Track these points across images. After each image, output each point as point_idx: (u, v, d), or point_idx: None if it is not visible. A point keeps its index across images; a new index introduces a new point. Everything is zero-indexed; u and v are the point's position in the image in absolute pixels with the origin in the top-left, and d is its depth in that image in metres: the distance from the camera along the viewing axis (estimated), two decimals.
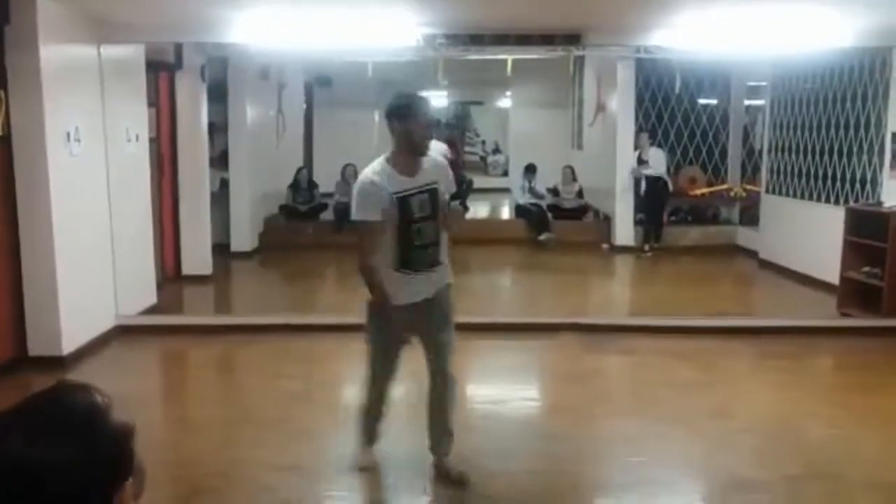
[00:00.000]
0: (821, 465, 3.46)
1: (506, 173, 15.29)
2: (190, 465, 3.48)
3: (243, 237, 8.66)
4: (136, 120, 5.80)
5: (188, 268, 7.33)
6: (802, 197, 7.66)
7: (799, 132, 7.88)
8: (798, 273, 7.41)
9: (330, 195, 10.08)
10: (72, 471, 0.91)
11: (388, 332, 3.09)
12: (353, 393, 4.22)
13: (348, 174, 10.10)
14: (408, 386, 3.66)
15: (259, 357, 5.17)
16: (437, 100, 17.39)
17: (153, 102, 6.47)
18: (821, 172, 7.41)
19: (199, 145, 7.31)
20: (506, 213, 12.27)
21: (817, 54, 6.39)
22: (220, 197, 8.35)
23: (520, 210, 10.16)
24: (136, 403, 3.95)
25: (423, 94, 3.27)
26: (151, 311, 5.94)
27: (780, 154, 8.29)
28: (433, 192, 3.00)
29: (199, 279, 7.29)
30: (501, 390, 4.65)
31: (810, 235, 7.29)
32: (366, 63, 6.96)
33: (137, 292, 5.78)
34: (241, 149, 8.47)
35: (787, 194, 7.97)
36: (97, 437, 0.94)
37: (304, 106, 11.82)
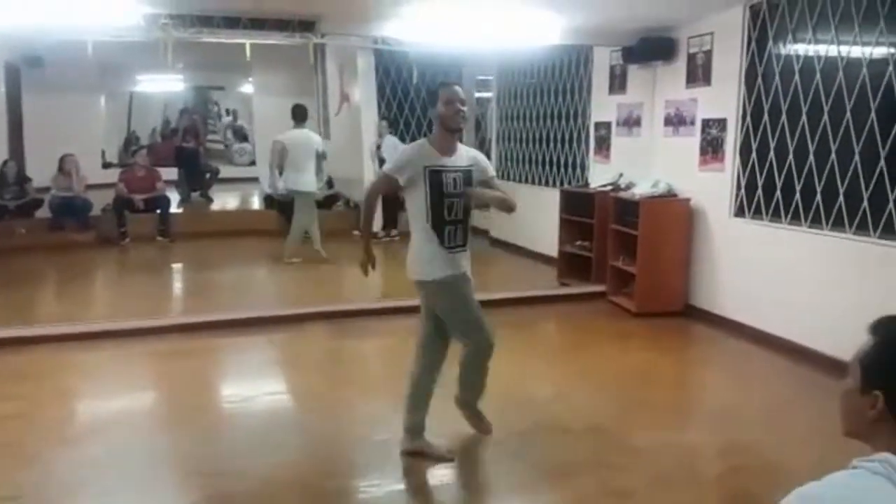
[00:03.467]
0: (546, 418, 3.87)
1: (253, 163, 14.82)
2: None
3: None
4: None
5: None
6: (527, 181, 8.46)
7: (522, 122, 8.68)
8: (525, 249, 8.20)
9: (46, 189, 8.98)
10: None
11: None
12: (83, 407, 3.84)
13: (68, 165, 9.07)
14: None
15: None
16: (170, 83, 16.19)
17: None
18: (541, 158, 8.23)
19: None
20: (256, 203, 11.90)
21: (535, 51, 7.07)
22: None
23: (269, 200, 9.92)
24: None
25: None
26: None
27: (507, 143, 9.07)
28: (467, 174, 3.31)
29: None
30: (253, 387, 4.52)
31: (534, 215, 8.08)
32: (85, 42, 6.27)
33: None
34: None
35: (515, 179, 8.74)
36: None
37: (4, 89, 10.27)
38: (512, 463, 3.41)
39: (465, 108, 3.32)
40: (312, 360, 5.00)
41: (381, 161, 9.11)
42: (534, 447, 3.57)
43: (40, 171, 9.25)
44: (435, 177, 3.25)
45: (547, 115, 8.13)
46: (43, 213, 8.87)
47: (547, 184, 8.02)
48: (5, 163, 8.85)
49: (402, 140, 9.58)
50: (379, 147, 9.16)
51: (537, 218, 7.92)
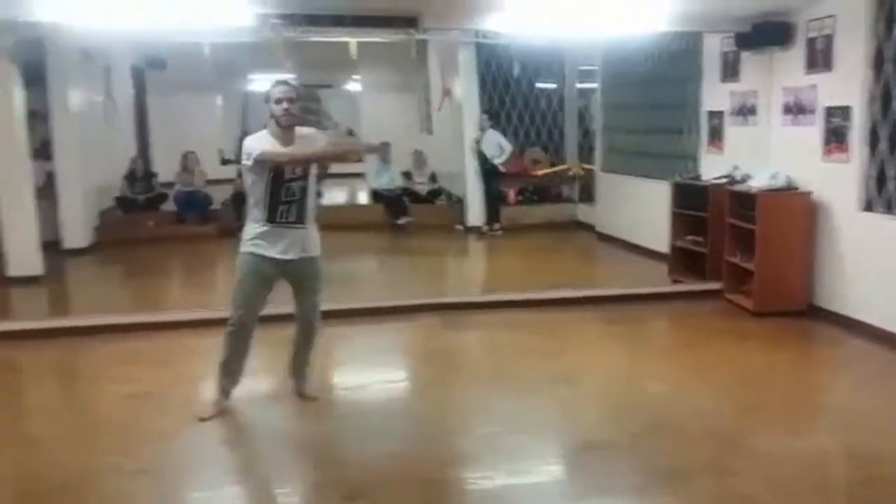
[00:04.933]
0: (661, 419, 3.77)
1: (360, 158, 15.14)
2: (35, 479, 3.22)
3: (76, 233, 8.05)
4: None
5: (14, 269, 6.71)
6: (633, 174, 8.24)
7: (628, 113, 8.45)
8: (633, 244, 8.00)
9: (171, 185, 9.55)
10: None
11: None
12: (203, 391, 4.08)
13: (190, 162, 9.62)
14: None
15: (101, 360, 4.82)
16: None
17: None
18: (648, 150, 8.00)
19: (15, 135, 6.64)
20: (363, 198, 12.20)
21: (642, 38, 6.86)
22: (47, 191, 7.67)
23: (376, 195, 10.16)
24: None
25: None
26: None
27: (612, 134, 8.87)
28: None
29: (27, 280, 6.67)
30: (364, 375, 4.65)
31: (642, 209, 7.87)
32: (202, 45, 6.63)
33: None
34: (67, 138, 7.82)
35: (620, 172, 8.54)
36: None
37: (134, 91, 11.01)
38: (624, 463, 3.34)
39: (292, 106, 3.62)
40: (423, 351, 5.08)
41: (481, 155, 9.14)
42: (647, 448, 3.49)
43: (164, 167, 9.84)
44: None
45: (655, 104, 7.89)
46: (168, 206, 9.43)
47: (655, 176, 7.79)
48: (134, 159, 9.47)
49: (504, 134, 9.57)
50: (479, 141, 9.18)
51: (646, 212, 7.71)
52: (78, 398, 4.42)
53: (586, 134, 10.45)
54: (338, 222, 9.66)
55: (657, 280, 6.72)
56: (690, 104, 7.22)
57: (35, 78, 7.28)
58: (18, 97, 6.66)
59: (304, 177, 3.67)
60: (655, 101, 7.86)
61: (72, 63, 7.90)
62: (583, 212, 9.79)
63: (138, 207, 9.13)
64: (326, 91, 19.81)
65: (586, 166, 10.03)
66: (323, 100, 20.55)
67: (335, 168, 15.74)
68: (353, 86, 16.34)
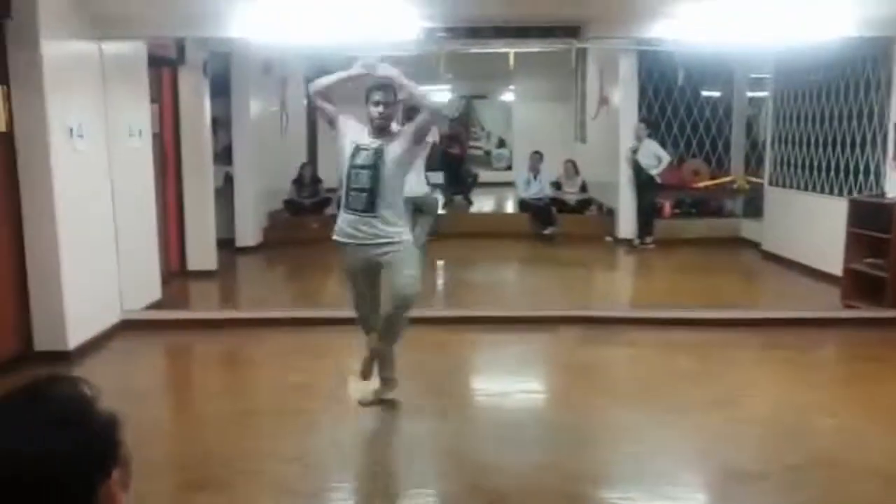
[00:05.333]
0: (822, 454, 3.47)
1: (510, 167, 15.29)
2: (197, 457, 3.52)
3: (248, 232, 8.69)
4: (138, 115, 5.82)
5: (193, 263, 7.36)
6: (806, 188, 7.64)
7: (802, 123, 7.86)
8: (801, 265, 7.40)
9: (333, 190, 10.09)
10: (53, 462, 0.90)
11: None
12: (358, 383, 4.28)
13: None
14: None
15: (265, 350, 5.19)
16: (441, 94, 17.44)
17: (156, 98, 6.49)
18: (824, 164, 7.39)
19: (202, 140, 7.33)
20: (510, 207, 12.27)
21: (820, 45, 6.37)
22: (225, 192, 8.38)
23: (523, 204, 10.17)
24: (141, 397, 4.04)
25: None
26: (156, 306, 5.97)
27: (783, 146, 8.27)
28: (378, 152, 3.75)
29: (204, 274, 7.32)
30: (506, 383, 4.67)
31: (814, 227, 7.27)
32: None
33: (142, 287, 5.81)
34: (245, 144, 8.48)
35: (791, 186, 7.95)
36: (82, 428, 0.93)
37: (307, 101, 11.80)
38: (777, 497, 3.11)
39: (387, 110, 3.74)
40: (566, 363, 5.01)
41: (637, 165, 8.84)
42: (804, 483, 3.22)
43: (329, 174, 10.42)
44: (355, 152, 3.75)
45: (833, 115, 7.27)
46: (331, 210, 9.98)
47: (830, 192, 7.17)
48: (304, 165, 10.12)
49: (663, 144, 9.23)
50: (635, 151, 8.90)
51: (817, 230, 7.12)
52: (243, 384, 4.79)
53: (754, 145, 9.84)
54: (484, 230, 9.81)
55: (827, 304, 6.18)
56: (874, 115, 6.58)
57: (220, 89, 8.00)
58: (207, 107, 7.36)
59: (374, 167, 3.70)
60: (834, 111, 7.25)
61: (253, 75, 8.58)
62: (747, 228, 9.20)
63: (304, 210, 9.73)
64: (480, 101, 20.17)
65: (752, 179, 9.43)
66: (476, 110, 20.93)
67: (485, 177, 15.89)
68: (507, 95, 16.49)
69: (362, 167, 3.71)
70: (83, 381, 0.98)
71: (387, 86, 3.76)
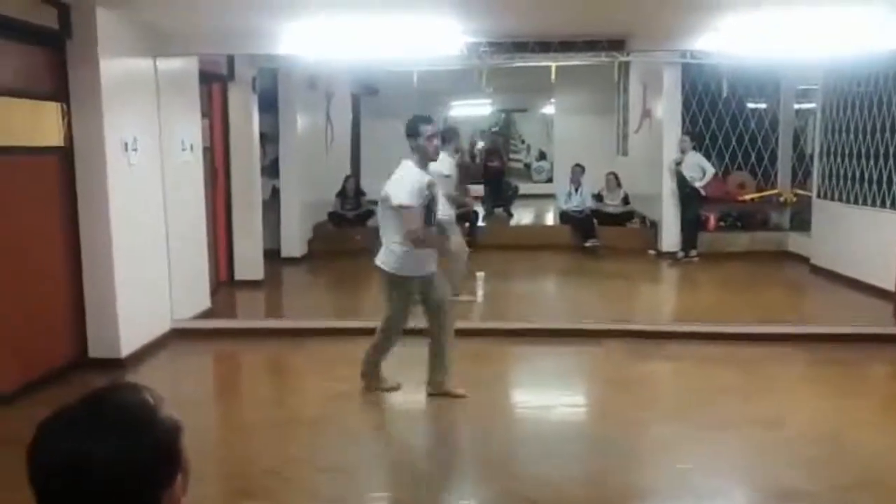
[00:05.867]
0: (872, 475, 3.39)
1: (550, 180, 15.26)
2: (242, 464, 3.60)
3: (293, 243, 8.85)
4: (190, 130, 6.00)
5: (241, 273, 7.54)
6: (856, 202, 7.47)
7: (852, 136, 7.70)
8: (851, 279, 7.23)
9: (376, 203, 10.19)
10: (122, 466, 0.93)
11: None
12: (397, 396, 4.33)
13: None
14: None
15: (309, 360, 5.29)
16: (481, 108, 17.48)
17: (207, 113, 6.69)
18: (875, 176, 7.22)
19: (251, 154, 7.52)
20: (550, 219, 12.24)
21: (870, 56, 6.25)
22: (272, 204, 8.56)
23: (564, 216, 10.14)
24: (191, 404, 4.16)
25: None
26: (205, 315, 6.13)
27: (832, 158, 8.11)
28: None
29: (251, 284, 7.48)
30: (547, 396, 4.67)
31: (864, 241, 7.10)
32: (411, 73, 7.08)
33: (192, 297, 5.98)
34: (292, 157, 8.66)
35: (840, 199, 7.78)
36: (147, 434, 0.96)
37: (351, 115, 12.01)
38: None
39: (438, 141, 4.04)
40: (608, 377, 4.97)
41: (681, 178, 8.74)
42: None
43: (372, 187, 10.55)
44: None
45: (884, 127, 7.11)
46: (373, 222, 10.10)
47: (882, 205, 7.00)
48: (348, 178, 10.26)
49: (707, 156, 9.12)
50: (679, 163, 8.82)
51: (868, 243, 6.96)
52: (287, 392, 4.89)
53: (801, 157, 9.66)
54: (525, 242, 9.82)
55: (878, 320, 6.02)
56: None
57: (268, 104, 8.20)
58: (255, 121, 7.55)
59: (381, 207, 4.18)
60: (886, 122, 7.08)
61: (299, 90, 8.77)
62: (795, 241, 9.02)
63: (347, 222, 9.87)
64: (521, 114, 20.18)
65: (799, 192, 9.25)
66: (516, 123, 20.95)
67: (525, 189, 15.88)
68: (548, 108, 16.47)
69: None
70: (146, 389, 1.03)
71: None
